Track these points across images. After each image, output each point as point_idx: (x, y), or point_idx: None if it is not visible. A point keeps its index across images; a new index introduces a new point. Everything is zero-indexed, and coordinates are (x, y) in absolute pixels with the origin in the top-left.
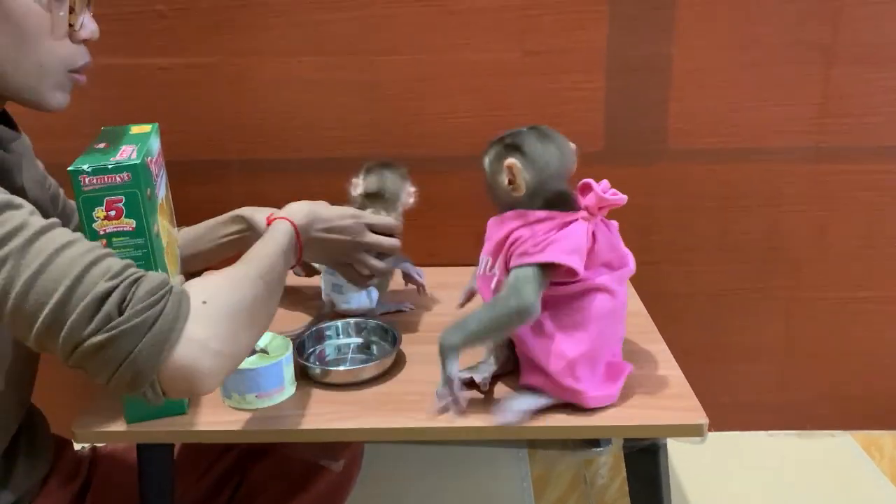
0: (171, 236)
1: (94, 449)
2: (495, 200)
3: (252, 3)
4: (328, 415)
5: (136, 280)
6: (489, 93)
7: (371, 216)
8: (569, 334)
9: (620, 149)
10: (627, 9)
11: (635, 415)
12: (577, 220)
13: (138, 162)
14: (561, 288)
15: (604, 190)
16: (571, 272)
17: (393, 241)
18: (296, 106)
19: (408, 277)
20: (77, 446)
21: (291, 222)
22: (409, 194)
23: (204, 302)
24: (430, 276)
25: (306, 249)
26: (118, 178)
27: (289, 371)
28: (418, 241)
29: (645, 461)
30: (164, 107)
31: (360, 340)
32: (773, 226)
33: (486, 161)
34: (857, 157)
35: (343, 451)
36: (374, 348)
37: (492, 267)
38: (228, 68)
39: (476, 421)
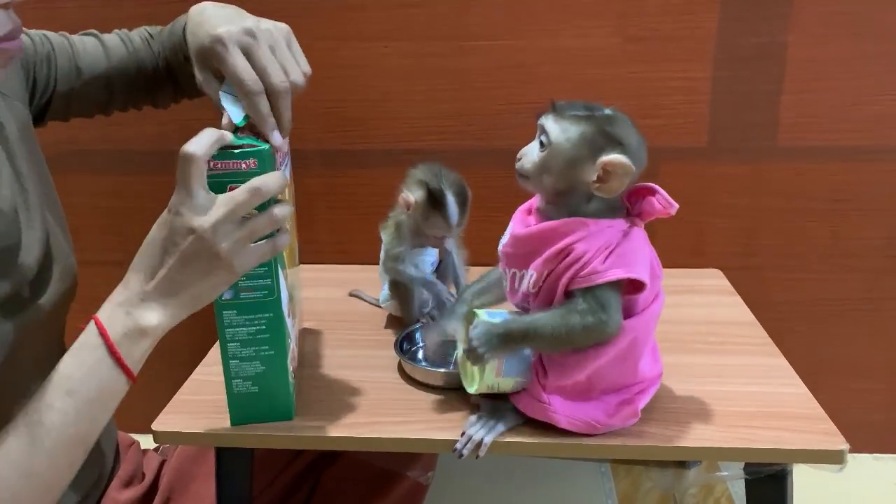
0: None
1: (158, 450)
2: (551, 188)
3: None
4: (414, 423)
5: None
6: (585, 82)
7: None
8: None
9: (725, 144)
10: None
11: (762, 436)
12: (632, 227)
13: (265, 147)
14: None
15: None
16: (639, 287)
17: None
18: (378, 94)
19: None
20: (143, 444)
21: (98, 324)
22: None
23: None
24: None
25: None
26: (243, 165)
27: None
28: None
29: (770, 488)
30: None
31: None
32: (893, 231)
33: (567, 137)
34: None
35: (419, 458)
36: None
37: (537, 284)
38: (309, 53)
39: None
